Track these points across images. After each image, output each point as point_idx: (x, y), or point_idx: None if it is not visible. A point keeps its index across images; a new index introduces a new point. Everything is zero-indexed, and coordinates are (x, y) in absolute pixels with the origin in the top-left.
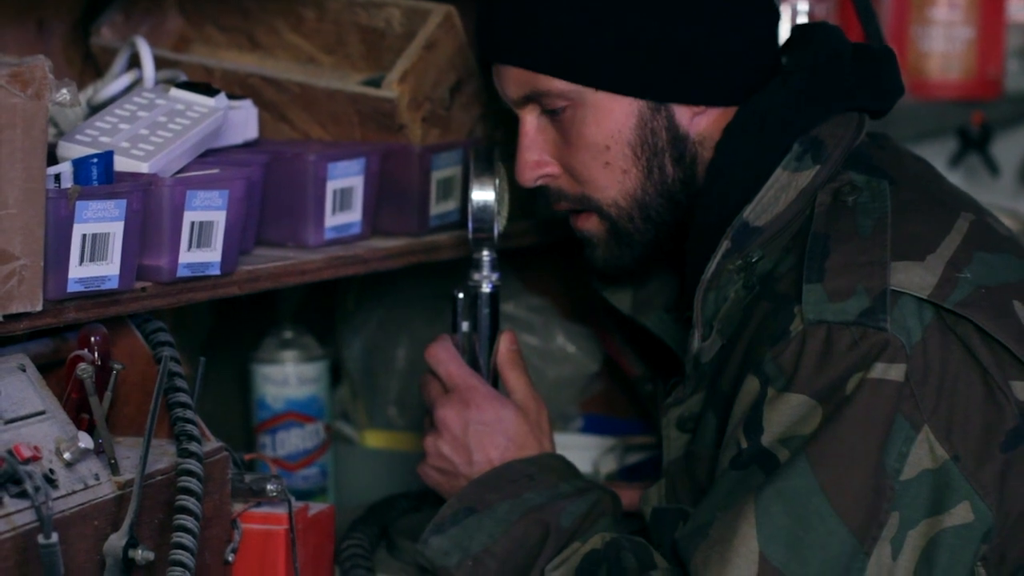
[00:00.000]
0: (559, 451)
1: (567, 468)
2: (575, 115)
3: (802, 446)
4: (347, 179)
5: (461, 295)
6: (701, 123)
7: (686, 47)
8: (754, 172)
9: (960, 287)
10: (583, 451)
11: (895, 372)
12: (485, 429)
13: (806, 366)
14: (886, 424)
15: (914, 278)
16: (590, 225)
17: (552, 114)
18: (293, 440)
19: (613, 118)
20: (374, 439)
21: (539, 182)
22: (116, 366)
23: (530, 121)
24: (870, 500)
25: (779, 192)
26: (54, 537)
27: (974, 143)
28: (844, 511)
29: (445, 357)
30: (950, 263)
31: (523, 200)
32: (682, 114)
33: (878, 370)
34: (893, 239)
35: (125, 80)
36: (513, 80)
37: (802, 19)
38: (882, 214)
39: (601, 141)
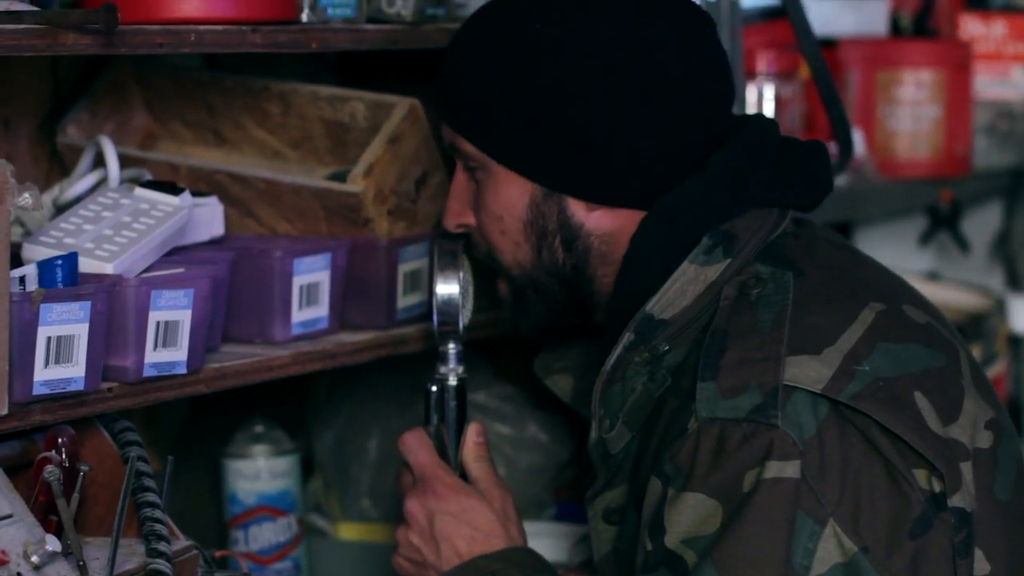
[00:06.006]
0: (533, 539)
1: (534, 562)
2: (483, 179)
3: (708, 549)
4: (314, 274)
5: (434, 388)
6: (604, 219)
7: (591, 144)
8: (662, 265)
9: (857, 380)
10: (557, 539)
11: (791, 469)
12: (451, 520)
13: (701, 464)
14: (788, 523)
15: (809, 372)
16: (503, 289)
17: (471, 171)
18: (266, 534)
19: (508, 192)
20: (348, 531)
21: (458, 229)
22: (83, 467)
23: (460, 170)
24: None
25: (686, 285)
26: None
27: (944, 221)
28: None
29: (416, 446)
30: (848, 356)
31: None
32: (576, 206)
33: (773, 468)
34: (790, 333)
35: (90, 180)
36: (444, 129)
37: (768, 103)
38: (782, 307)
39: (497, 211)
